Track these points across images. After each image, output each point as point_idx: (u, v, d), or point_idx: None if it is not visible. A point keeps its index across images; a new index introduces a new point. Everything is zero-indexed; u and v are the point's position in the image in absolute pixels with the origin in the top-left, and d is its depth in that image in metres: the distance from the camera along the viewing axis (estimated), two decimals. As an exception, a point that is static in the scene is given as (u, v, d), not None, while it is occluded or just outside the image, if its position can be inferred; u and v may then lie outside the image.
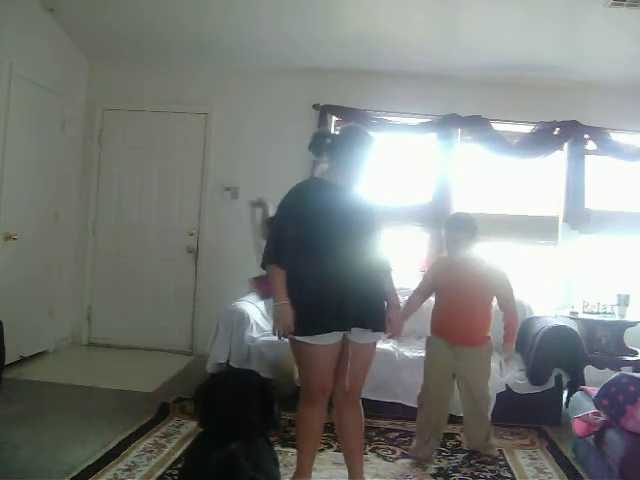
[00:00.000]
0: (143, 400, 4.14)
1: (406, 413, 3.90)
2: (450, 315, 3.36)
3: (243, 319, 4.21)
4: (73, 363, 5.20)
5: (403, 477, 3.18)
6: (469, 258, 3.37)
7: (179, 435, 3.55)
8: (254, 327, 4.30)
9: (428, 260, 5.35)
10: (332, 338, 2.69)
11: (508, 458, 3.47)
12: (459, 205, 5.39)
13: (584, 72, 5.05)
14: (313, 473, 3.14)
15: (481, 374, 3.41)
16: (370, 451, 3.47)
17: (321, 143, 2.84)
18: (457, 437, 3.73)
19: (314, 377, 2.75)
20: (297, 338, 2.69)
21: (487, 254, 3.50)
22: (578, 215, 5.31)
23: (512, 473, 3.27)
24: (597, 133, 5.28)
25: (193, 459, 1.95)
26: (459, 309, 3.32)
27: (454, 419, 3.91)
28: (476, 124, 5.31)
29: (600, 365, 4.49)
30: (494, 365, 3.74)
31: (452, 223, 3.41)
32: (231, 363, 4.09)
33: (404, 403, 3.96)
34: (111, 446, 3.30)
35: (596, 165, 5.44)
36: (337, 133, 2.95)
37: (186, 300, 5.63)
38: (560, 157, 5.40)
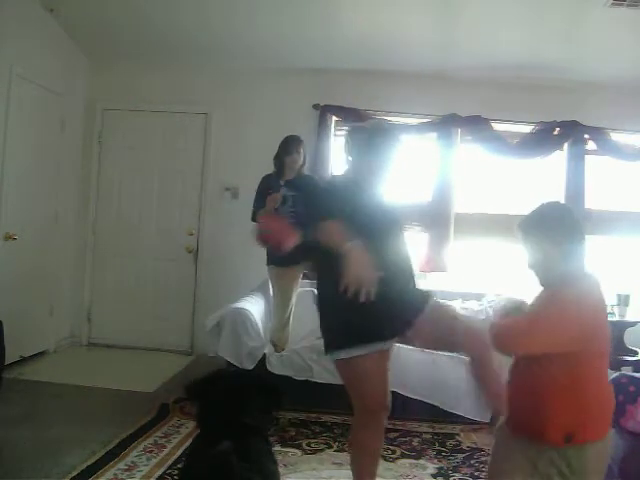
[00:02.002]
0: (143, 400, 4.14)
1: (405, 413, 3.90)
2: (514, 384, 2.08)
3: (251, 322, 4.16)
4: (73, 363, 5.19)
5: (403, 477, 3.18)
6: (558, 283, 2.00)
7: (179, 435, 3.55)
8: (260, 330, 4.28)
9: (428, 262, 5.34)
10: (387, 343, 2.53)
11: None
12: (459, 205, 5.40)
13: (584, 72, 5.05)
14: (313, 472, 3.15)
15: None
16: (370, 451, 3.47)
17: (347, 141, 2.69)
18: (457, 437, 3.73)
19: (379, 393, 2.51)
20: (355, 353, 2.42)
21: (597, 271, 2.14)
22: (578, 215, 5.29)
23: (512, 473, 3.27)
24: (597, 133, 5.28)
25: (190, 459, 1.95)
26: (522, 371, 2.03)
27: (454, 419, 3.92)
28: (476, 124, 5.31)
29: (600, 365, 4.48)
30: None
31: (534, 225, 2.10)
32: (243, 366, 3.99)
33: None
34: (111, 446, 3.30)
35: (596, 165, 5.44)
36: (360, 130, 2.75)
37: (186, 300, 5.62)
38: (560, 157, 5.40)
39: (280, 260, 4.05)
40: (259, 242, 3.67)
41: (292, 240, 3.53)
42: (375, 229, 2.48)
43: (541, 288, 2.11)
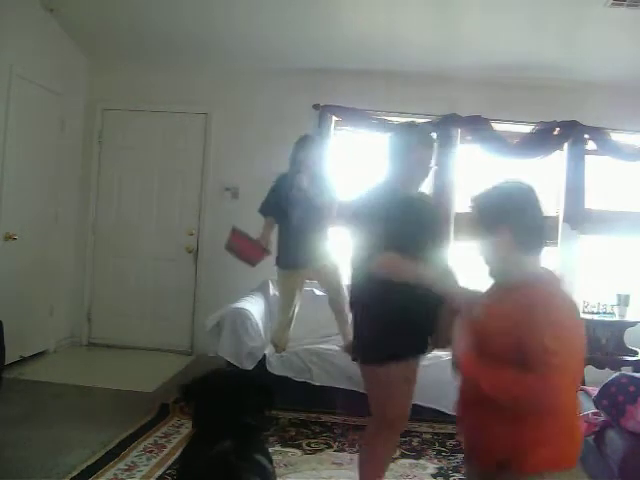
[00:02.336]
0: (143, 400, 4.14)
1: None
2: (463, 398, 1.86)
3: (251, 322, 4.17)
4: (73, 363, 5.20)
5: (403, 477, 3.18)
6: (519, 282, 1.73)
7: (179, 435, 3.56)
8: (261, 330, 4.28)
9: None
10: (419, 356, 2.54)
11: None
12: (459, 205, 5.40)
13: (584, 72, 5.04)
14: (313, 472, 3.15)
15: None
16: (370, 451, 3.47)
17: (388, 147, 2.61)
18: (457, 437, 3.73)
19: (401, 405, 2.51)
20: (388, 362, 2.40)
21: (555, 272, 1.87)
22: (578, 215, 5.31)
23: (512, 473, 3.27)
24: (597, 133, 5.28)
25: (187, 459, 1.94)
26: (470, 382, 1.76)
27: (454, 419, 3.91)
28: (476, 124, 5.31)
29: (600, 365, 4.49)
30: None
31: (490, 207, 1.84)
32: (243, 366, 4.00)
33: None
34: (111, 446, 3.30)
35: (596, 165, 5.44)
36: (397, 133, 2.69)
37: (186, 300, 5.62)
38: (560, 157, 5.40)
39: (286, 263, 4.08)
40: (228, 251, 4.20)
41: (258, 260, 4.22)
42: (419, 237, 2.45)
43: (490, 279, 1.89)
